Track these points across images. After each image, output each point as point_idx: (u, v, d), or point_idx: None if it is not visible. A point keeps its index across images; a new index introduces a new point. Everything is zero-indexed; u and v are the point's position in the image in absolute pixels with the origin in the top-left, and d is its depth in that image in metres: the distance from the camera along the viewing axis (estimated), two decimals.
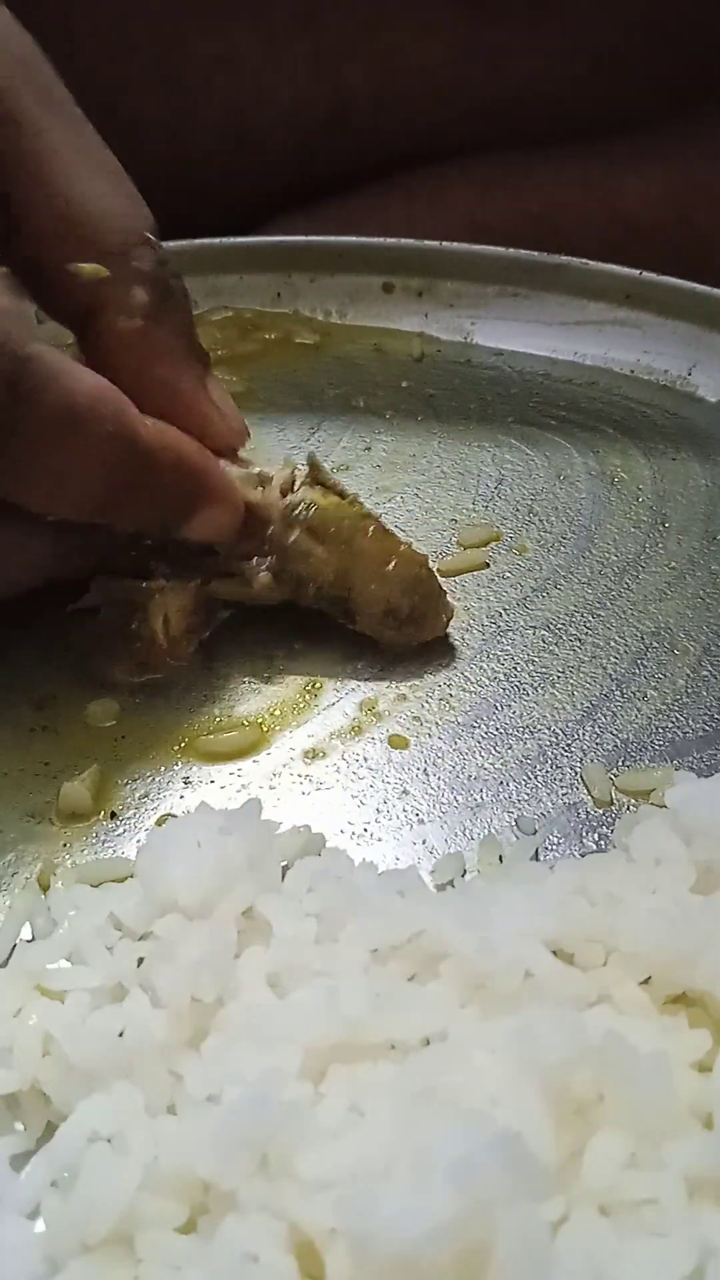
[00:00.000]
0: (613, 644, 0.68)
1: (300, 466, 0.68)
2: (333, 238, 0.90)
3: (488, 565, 0.72)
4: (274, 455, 0.80)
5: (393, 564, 0.66)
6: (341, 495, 0.67)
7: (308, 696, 0.65)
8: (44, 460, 0.57)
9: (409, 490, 0.77)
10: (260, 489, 0.66)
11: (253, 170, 1.00)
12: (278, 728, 0.64)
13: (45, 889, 0.57)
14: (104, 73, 0.96)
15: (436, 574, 0.68)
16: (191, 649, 0.66)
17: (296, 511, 0.66)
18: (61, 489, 0.58)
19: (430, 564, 0.68)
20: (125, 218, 0.63)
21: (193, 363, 0.65)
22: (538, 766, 0.62)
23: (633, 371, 0.86)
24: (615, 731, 0.63)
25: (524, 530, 0.75)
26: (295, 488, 0.67)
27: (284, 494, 0.67)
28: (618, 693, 0.65)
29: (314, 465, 0.68)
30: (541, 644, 0.68)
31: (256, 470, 0.67)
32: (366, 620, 0.66)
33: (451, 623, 0.69)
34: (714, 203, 1.00)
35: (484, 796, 0.61)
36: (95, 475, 0.59)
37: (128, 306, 0.62)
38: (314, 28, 0.94)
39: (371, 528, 0.67)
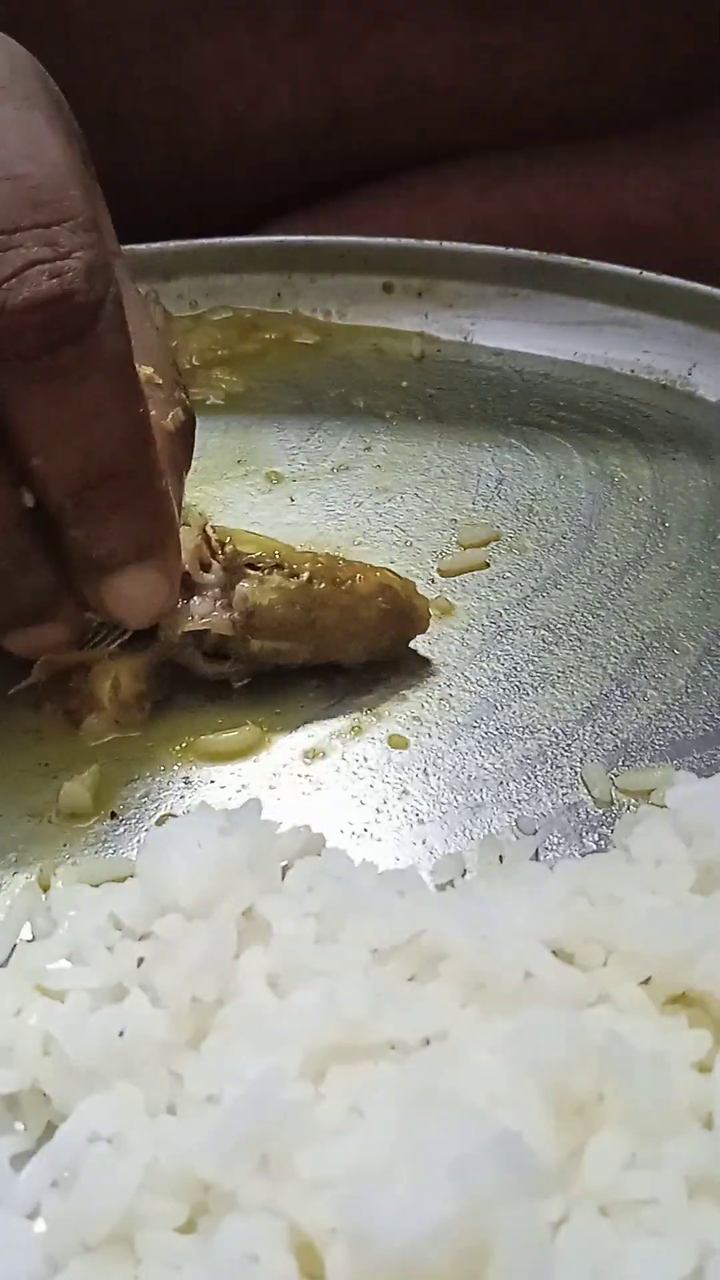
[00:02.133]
0: (613, 644, 0.68)
1: (210, 527, 0.65)
2: (333, 238, 0.90)
3: (488, 565, 0.73)
4: (274, 455, 0.80)
5: (359, 613, 0.64)
6: (277, 565, 0.64)
7: (308, 696, 0.65)
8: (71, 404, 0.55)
9: (409, 490, 0.77)
10: (217, 592, 0.64)
11: (253, 174, 1.00)
12: (278, 728, 0.64)
13: (45, 889, 0.57)
14: (104, 77, 0.96)
15: (396, 585, 0.65)
16: (144, 715, 0.64)
17: (248, 624, 0.63)
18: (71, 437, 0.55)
19: (389, 576, 0.65)
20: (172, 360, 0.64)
21: (179, 492, 0.63)
22: (538, 766, 0.62)
23: (633, 371, 0.86)
24: (615, 731, 0.63)
25: (524, 530, 0.75)
26: (234, 579, 0.63)
27: (223, 587, 0.64)
28: (618, 693, 0.65)
29: (230, 553, 0.64)
30: (541, 644, 0.68)
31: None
32: (355, 664, 0.65)
33: (451, 622, 0.69)
34: (714, 203, 1.00)
35: (484, 796, 0.61)
36: (105, 441, 0.56)
37: (167, 407, 0.63)
38: (313, 31, 0.94)
39: (321, 586, 0.63)
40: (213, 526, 0.66)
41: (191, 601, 0.64)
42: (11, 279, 0.52)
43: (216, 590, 0.64)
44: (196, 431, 0.71)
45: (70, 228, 0.54)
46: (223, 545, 0.65)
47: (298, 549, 0.66)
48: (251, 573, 0.63)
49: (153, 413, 0.60)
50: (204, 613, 0.63)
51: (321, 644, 0.64)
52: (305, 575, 0.64)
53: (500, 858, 0.57)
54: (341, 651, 0.65)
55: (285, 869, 0.55)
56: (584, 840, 0.59)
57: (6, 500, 0.56)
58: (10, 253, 0.52)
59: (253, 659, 0.64)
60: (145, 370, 0.62)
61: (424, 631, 0.66)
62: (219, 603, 0.64)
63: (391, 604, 0.65)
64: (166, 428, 0.63)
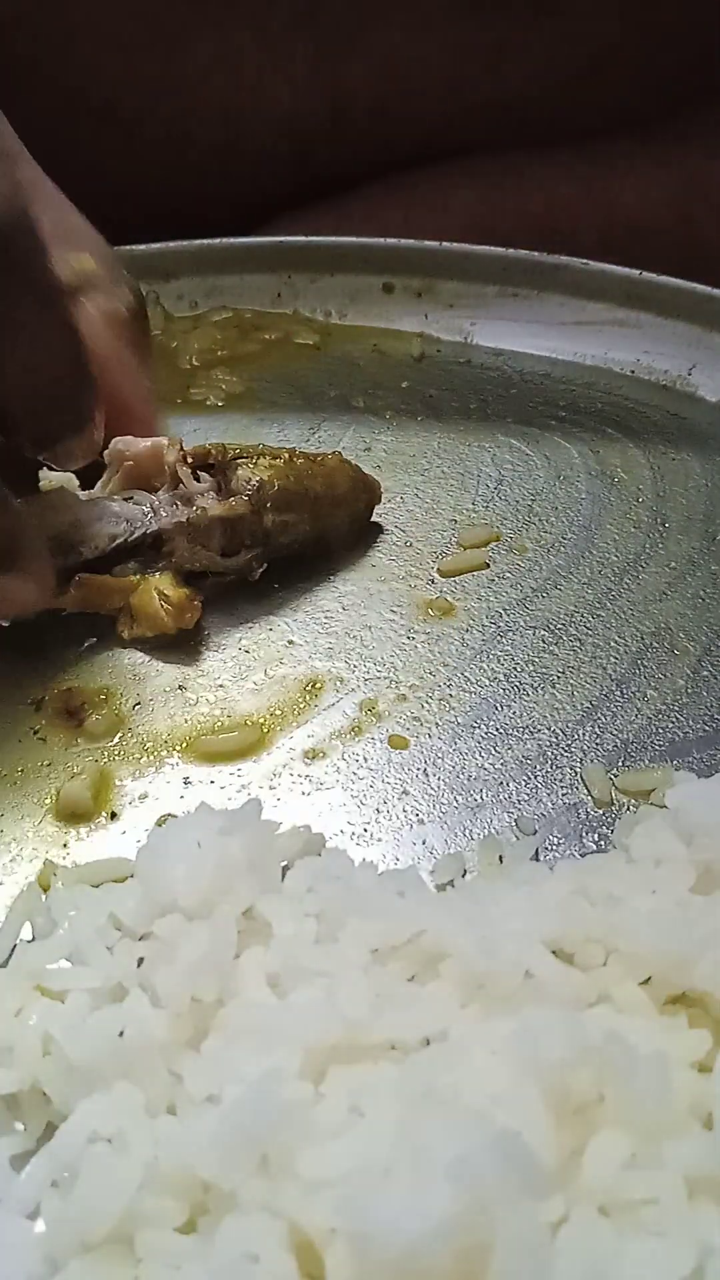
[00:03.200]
0: (613, 644, 0.68)
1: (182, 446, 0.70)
2: (333, 238, 0.90)
3: (488, 565, 0.72)
4: None
5: (335, 480, 0.71)
6: (260, 454, 0.70)
7: (308, 696, 0.65)
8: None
9: (409, 490, 0.77)
10: (213, 496, 0.68)
11: (251, 170, 1.00)
12: (278, 728, 0.64)
13: (45, 889, 0.57)
14: (104, 73, 0.96)
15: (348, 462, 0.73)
16: (199, 613, 0.67)
17: (258, 498, 0.68)
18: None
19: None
20: (107, 244, 0.70)
21: (145, 372, 0.70)
22: (538, 767, 0.62)
23: (633, 371, 0.86)
24: (615, 732, 0.63)
25: (524, 530, 0.75)
26: (229, 474, 0.69)
27: (224, 481, 0.69)
28: (618, 693, 0.65)
29: (218, 452, 0.69)
30: (541, 644, 0.68)
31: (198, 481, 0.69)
32: (339, 541, 0.72)
33: (451, 622, 0.69)
34: (714, 203, 1.00)
35: (484, 797, 0.61)
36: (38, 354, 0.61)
37: (115, 294, 0.68)
38: (313, 28, 0.94)
39: (300, 462, 0.71)
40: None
41: (195, 507, 0.68)
42: None
43: (213, 493, 0.69)
44: (195, 430, 0.71)
45: None
46: (206, 453, 0.70)
47: None
48: (243, 460, 0.69)
49: (101, 299, 0.67)
50: (214, 506, 0.68)
51: (316, 513, 0.70)
52: (286, 455, 0.71)
53: (500, 858, 0.57)
54: (331, 518, 0.71)
55: (285, 869, 0.55)
56: (584, 840, 0.59)
57: None
58: None
59: (266, 535, 0.69)
60: (85, 261, 0.68)
61: (378, 501, 0.74)
62: (219, 499, 0.69)
63: (353, 471, 0.73)
64: (120, 313, 0.69)
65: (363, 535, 0.74)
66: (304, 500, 0.69)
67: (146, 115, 0.98)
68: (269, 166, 1.00)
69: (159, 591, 0.67)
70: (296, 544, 0.70)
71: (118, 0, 0.93)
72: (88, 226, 0.71)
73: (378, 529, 0.74)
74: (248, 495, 0.68)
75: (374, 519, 0.75)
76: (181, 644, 0.67)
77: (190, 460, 0.69)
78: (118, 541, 0.67)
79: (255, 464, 0.69)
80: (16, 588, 0.63)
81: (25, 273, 0.59)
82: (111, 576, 0.67)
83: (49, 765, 0.62)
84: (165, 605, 0.66)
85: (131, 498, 0.69)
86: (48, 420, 0.64)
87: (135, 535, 0.67)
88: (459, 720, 0.64)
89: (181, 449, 0.69)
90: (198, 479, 0.69)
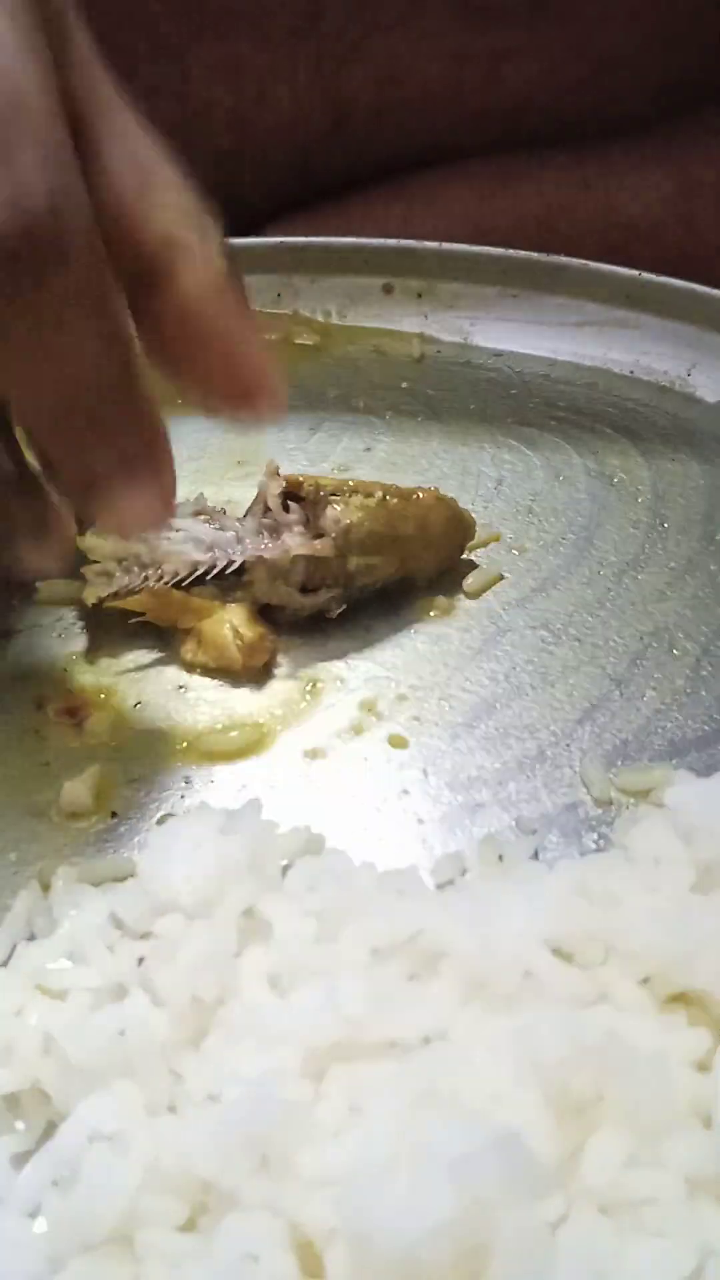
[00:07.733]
0: (612, 644, 0.68)
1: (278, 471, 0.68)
2: (333, 239, 0.90)
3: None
4: (274, 456, 0.79)
5: (428, 521, 0.69)
6: (354, 490, 0.68)
7: (308, 696, 0.65)
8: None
9: None
10: (300, 530, 0.67)
11: (253, 178, 1.00)
12: (278, 728, 0.64)
13: (46, 889, 0.57)
14: None
15: (446, 497, 0.71)
16: (270, 654, 0.66)
17: (345, 541, 0.66)
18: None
19: (437, 491, 0.71)
20: (189, 183, 0.59)
21: (255, 327, 0.59)
22: (537, 766, 0.62)
23: (632, 372, 0.86)
24: (615, 731, 0.63)
25: (524, 530, 0.75)
26: (318, 511, 0.67)
27: (306, 521, 0.67)
28: (617, 693, 0.65)
29: (311, 487, 0.67)
30: (541, 644, 0.68)
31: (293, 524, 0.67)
32: (423, 579, 0.70)
33: (451, 622, 0.69)
34: (714, 203, 1.00)
35: (484, 796, 0.61)
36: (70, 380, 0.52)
37: (208, 259, 0.59)
38: (314, 36, 0.94)
39: (394, 502, 0.68)
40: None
41: (283, 538, 0.67)
42: None
43: (300, 526, 0.67)
44: (197, 431, 0.71)
45: (32, 141, 0.49)
46: (299, 484, 0.68)
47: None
48: (335, 498, 0.67)
49: (197, 267, 0.58)
50: (298, 544, 0.66)
51: (404, 555, 0.68)
52: (380, 494, 0.68)
53: (500, 857, 0.57)
54: (417, 561, 0.69)
55: (285, 869, 0.55)
56: (583, 840, 0.59)
57: None
58: None
59: (348, 579, 0.67)
60: (171, 230, 0.59)
61: (472, 539, 0.71)
62: (306, 535, 0.67)
63: (450, 510, 0.70)
64: (215, 280, 0.59)
65: (448, 573, 0.71)
66: (393, 544, 0.67)
67: (147, 123, 0.98)
68: (270, 174, 1.00)
69: (233, 627, 0.65)
70: (379, 583, 0.68)
71: (117, 9, 0.93)
72: (177, 181, 0.60)
73: (470, 565, 0.72)
74: (334, 538, 0.66)
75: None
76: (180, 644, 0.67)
77: (282, 488, 0.68)
78: (199, 571, 0.66)
79: (347, 503, 0.66)
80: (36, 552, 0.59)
81: (70, 285, 0.50)
82: (188, 594, 0.66)
83: (49, 765, 0.62)
84: (238, 642, 0.65)
85: (219, 522, 0.67)
86: (86, 446, 0.53)
87: (218, 566, 0.66)
88: (459, 720, 0.64)
89: (276, 474, 0.68)
90: (287, 509, 0.67)
